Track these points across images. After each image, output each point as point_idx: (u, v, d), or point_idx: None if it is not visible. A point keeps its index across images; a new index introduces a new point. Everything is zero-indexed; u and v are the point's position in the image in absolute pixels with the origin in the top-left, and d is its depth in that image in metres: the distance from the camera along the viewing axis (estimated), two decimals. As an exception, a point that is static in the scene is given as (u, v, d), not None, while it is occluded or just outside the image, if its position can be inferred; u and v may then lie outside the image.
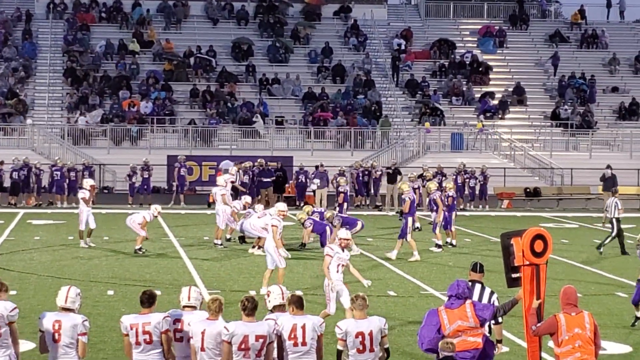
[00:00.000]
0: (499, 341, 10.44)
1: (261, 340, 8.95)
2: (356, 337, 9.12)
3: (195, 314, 9.51)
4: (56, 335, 9.15)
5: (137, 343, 9.24)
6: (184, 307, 9.64)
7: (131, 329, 9.24)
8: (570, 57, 48.37)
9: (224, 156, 37.22)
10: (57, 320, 9.18)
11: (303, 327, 9.09)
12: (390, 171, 35.07)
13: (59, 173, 33.82)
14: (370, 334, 9.13)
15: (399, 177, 35.02)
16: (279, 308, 9.43)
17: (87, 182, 24.09)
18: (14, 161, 34.24)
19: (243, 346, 8.94)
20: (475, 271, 10.53)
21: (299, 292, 9.64)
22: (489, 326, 10.35)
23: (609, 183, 35.28)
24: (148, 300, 9.42)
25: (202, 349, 9.14)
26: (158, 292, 9.91)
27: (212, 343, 9.09)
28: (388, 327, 9.57)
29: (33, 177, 34.07)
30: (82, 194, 23.27)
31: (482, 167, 35.79)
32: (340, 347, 9.18)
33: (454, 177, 34.95)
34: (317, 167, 34.56)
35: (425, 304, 15.96)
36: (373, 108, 42.61)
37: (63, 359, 9.18)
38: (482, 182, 35.38)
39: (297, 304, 9.20)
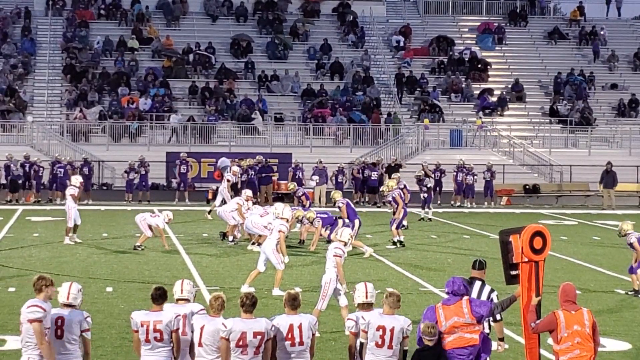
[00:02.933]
0: (501, 339, 10.43)
1: (259, 337, 8.95)
2: (377, 330, 9.14)
3: (188, 307, 9.51)
4: (59, 331, 9.12)
5: (147, 340, 9.22)
6: (178, 300, 9.66)
7: (142, 326, 9.21)
8: (569, 53, 48.41)
9: (223, 153, 37.24)
10: (60, 317, 9.15)
11: (300, 327, 9.09)
12: (392, 166, 35.13)
13: (62, 170, 33.72)
14: (392, 330, 9.15)
15: (400, 169, 35.08)
16: (362, 307, 9.52)
17: (77, 179, 24.01)
18: (7, 157, 34.11)
19: (241, 343, 8.94)
20: (475, 268, 10.56)
21: (297, 289, 9.61)
22: (489, 324, 10.36)
23: (609, 180, 35.32)
24: (161, 297, 9.36)
25: (200, 345, 9.15)
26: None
27: (209, 339, 9.10)
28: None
29: (33, 173, 34.02)
30: (72, 190, 23.23)
31: (488, 164, 35.78)
32: (362, 340, 9.17)
33: (454, 173, 34.98)
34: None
35: (424, 300, 15.95)
36: (372, 105, 42.61)
37: (65, 355, 9.15)
38: (488, 179, 35.39)
39: (290, 303, 9.18)
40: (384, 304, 9.38)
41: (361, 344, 9.20)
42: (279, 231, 17.00)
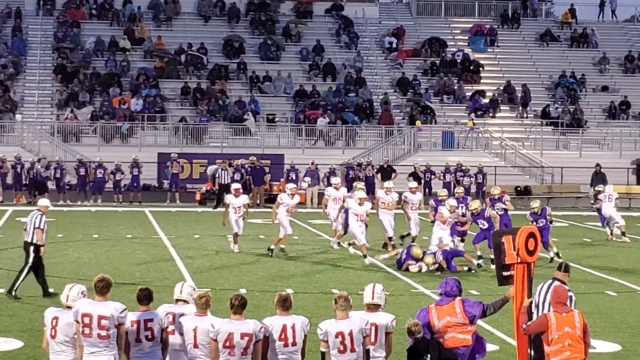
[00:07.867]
0: None
1: (246, 339, 8.89)
2: (336, 337, 9.07)
3: (186, 308, 9.51)
4: (52, 331, 9.13)
5: (138, 340, 9.20)
6: (177, 300, 9.66)
7: (132, 326, 9.20)
8: (561, 56, 48.49)
9: (215, 154, 37.17)
10: (55, 317, 9.16)
11: (293, 327, 9.06)
12: (384, 167, 35.05)
13: (103, 171, 34.07)
14: (351, 333, 9.07)
15: (393, 175, 35.06)
16: (369, 307, 9.40)
17: (233, 187, 22.59)
18: (16, 158, 33.96)
19: (228, 344, 8.89)
20: (560, 270, 10.46)
21: (288, 291, 9.58)
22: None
23: (599, 181, 35.37)
24: (146, 298, 9.35)
25: (195, 346, 9.11)
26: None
27: (205, 340, 9.06)
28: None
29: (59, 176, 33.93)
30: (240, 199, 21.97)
31: (479, 166, 35.82)
32: (323, 349, 9.15)
33: (442, 175, 35.01)
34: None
35: (416, 302, 15.94)
36: (364, 106, 42.61)
37: (58, 355, 9.13)
38: (480, 181, 35.43)
39: (281, 304, 9.15)
40: (335, 309, 9.25)
41: (322, 353, 9.16)
42: None
